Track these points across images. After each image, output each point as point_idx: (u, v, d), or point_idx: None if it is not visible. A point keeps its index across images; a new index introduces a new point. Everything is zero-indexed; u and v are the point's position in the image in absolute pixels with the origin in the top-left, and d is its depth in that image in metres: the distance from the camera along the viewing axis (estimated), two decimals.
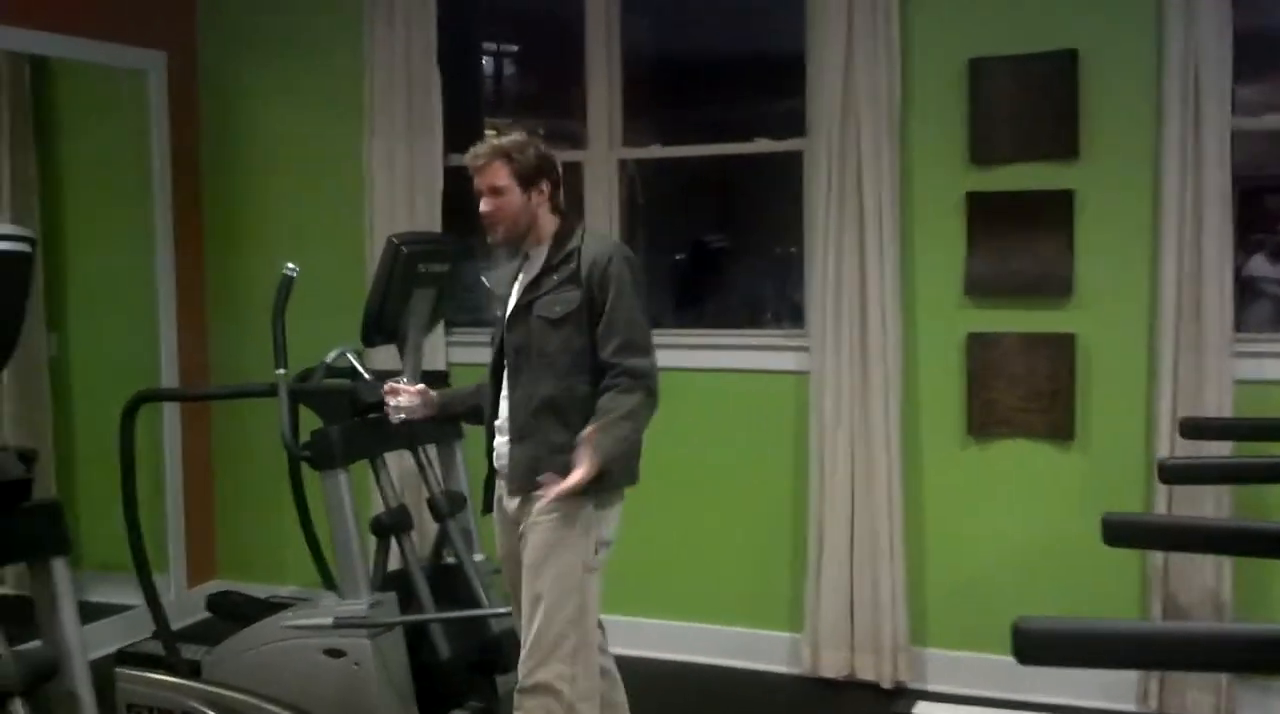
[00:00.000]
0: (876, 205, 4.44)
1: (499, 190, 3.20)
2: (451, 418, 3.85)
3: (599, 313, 3.16)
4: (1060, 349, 4.35)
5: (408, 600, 3.95)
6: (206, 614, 4.71)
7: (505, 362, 3.28)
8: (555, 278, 3.21)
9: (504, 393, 3.28)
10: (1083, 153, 4.30)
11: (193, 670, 3.96)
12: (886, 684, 4.47)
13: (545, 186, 3.24)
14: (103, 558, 5.23)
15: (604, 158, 4.99)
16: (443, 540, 4.19)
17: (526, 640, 3.19)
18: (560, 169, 3.30)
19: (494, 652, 4.13)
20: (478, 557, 4.34)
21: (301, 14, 5.33)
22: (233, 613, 4.30)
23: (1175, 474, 3.31)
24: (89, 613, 5.06)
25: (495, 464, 3.35)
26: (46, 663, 2.68)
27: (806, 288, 4.66)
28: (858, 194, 4.46)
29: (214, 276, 5.53)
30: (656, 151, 5.20)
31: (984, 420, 4.46)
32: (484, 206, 3.23)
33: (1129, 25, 4.24)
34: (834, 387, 4.51)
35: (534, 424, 3.19)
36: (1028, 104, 4.35)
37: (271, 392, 3.91)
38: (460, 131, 5.20)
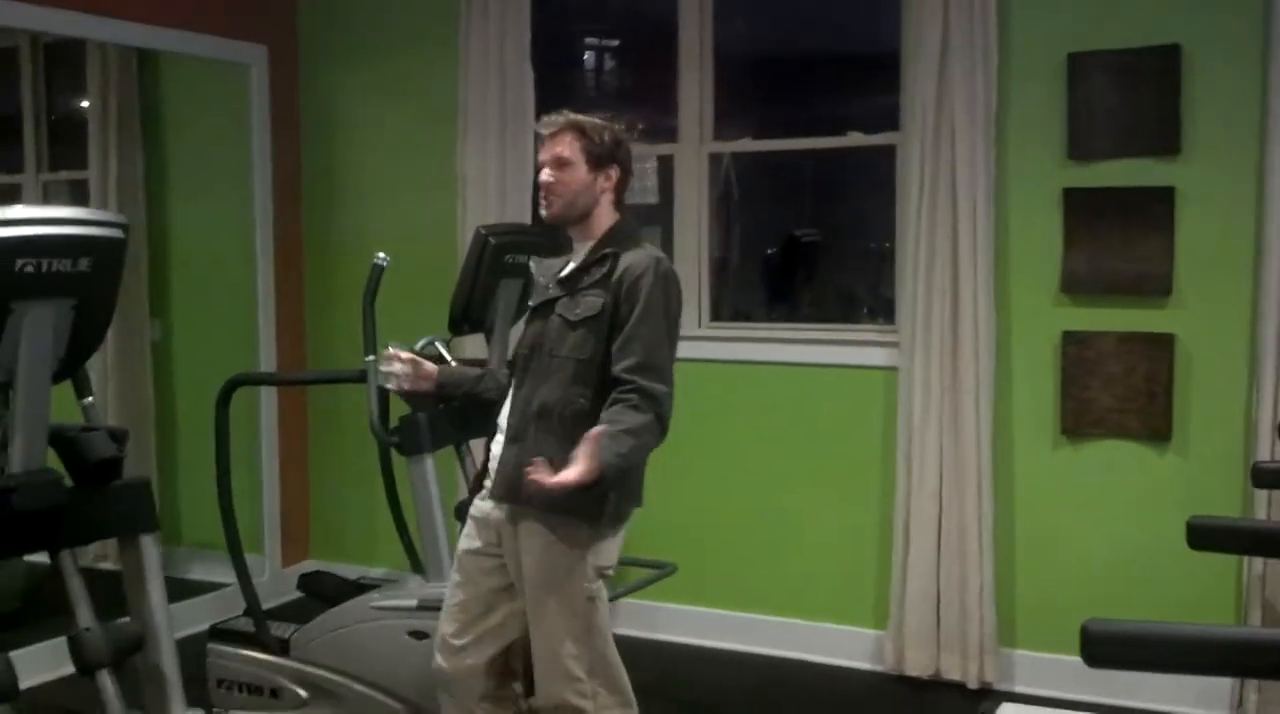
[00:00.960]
0: (970, 200, 4.38)
1: (564, 162, 3.02)
2: (447, 398, 3.60)
3: (619, 325, 2.95)
4: (1159, 349, 4.25)
5: None
6: (299, 593, 4.80)
7: (518, 356, 3.15)
8: (586, 279, 3.03)
9: (511, 388, 3.13)
10: (1184, 149, 4.19)
11: (281, 647, 4.04)
12: (973, 684, 4.41)
13: (614, 172, 3.06)
14: (201, 536, 5.37)
15: (694, 151, 4.98)
16: None
17: (536, 664, 3.06)
18: (632, 163, 3.14)
19: None
20: None
21: (399, 10, 5.40)
22: (322, 593, 4.37)
23: (1268, 478, 3.22)
24: (187, 589, 5.27)
25: (491, 464, 3.15)
26: (133, 637, 2.76)
27: (898, 283, 4.61)
28: (951, 189, 4.40)
29: (312, 265, 5.64)
30: (748, 145, 5.17)
31: (1078, 420, 4.38)
32: (544, 176, 3.04)
33: (1234, 18, 4.12)
34: (923, 383, 4.45)
35: (527, 428, 3.01)
36: (1128, 99, 4.26)
37: (361, 378, 3.98)
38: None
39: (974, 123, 4.36)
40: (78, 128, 5.78)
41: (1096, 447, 4.36)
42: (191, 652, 4.18)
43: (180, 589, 5.34)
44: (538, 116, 4.99)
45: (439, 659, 3.24)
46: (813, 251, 5.98)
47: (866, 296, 5.42)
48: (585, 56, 6.01)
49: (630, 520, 3.15)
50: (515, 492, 2.98)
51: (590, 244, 3.08)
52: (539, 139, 3.13)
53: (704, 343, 4.93)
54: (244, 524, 5.30)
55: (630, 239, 3.08)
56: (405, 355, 3.34)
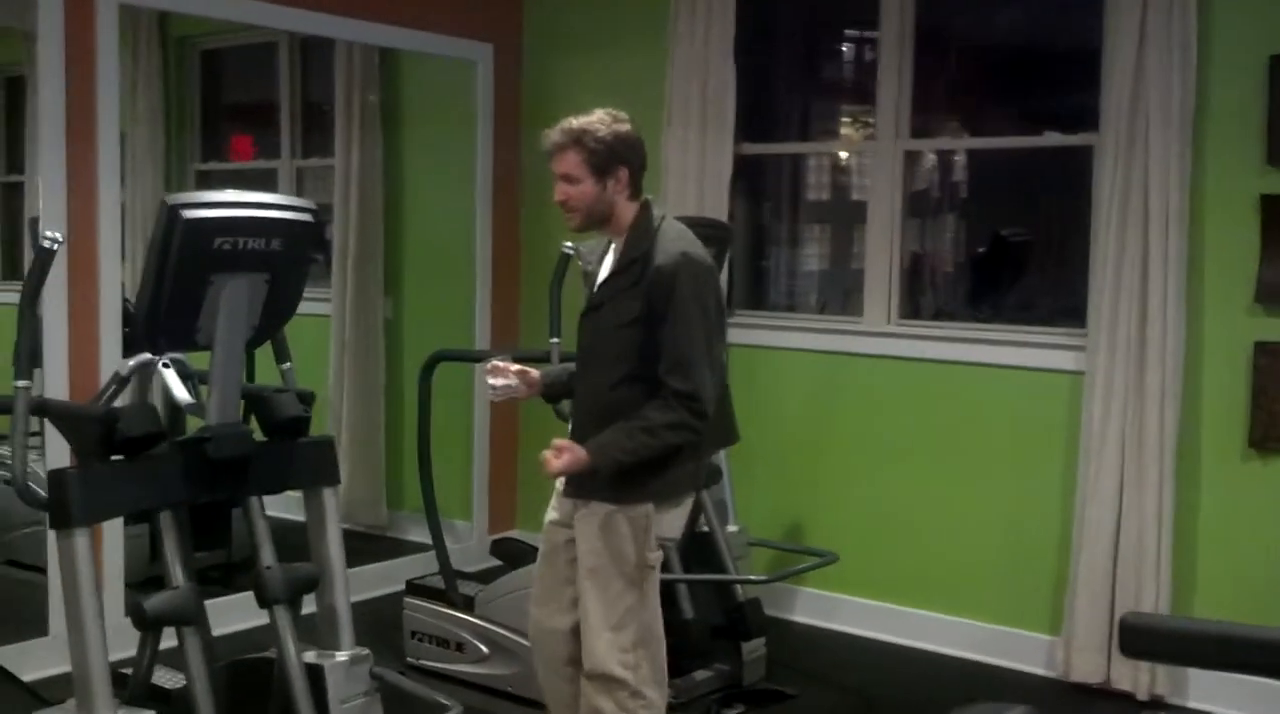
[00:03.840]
0: (1163, 204, 4.31)
1: (571, 179, 3.06)
2: (555, 398, 3.57)
3: (655, 326, 3.02)
4: None
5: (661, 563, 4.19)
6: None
7: (579, 354, 3.21)
8: (624, 280, 3.08)
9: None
10: None
11: (467, 605, 4.37)
12: (1142, 696, 4.34)
13: (622, 173, 3.07)
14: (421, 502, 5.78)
15: (890, 148, 5.05)
16: (698, 510, 4.41)
17: (586, 634, 3.15)
18: (643, 151, 3.13)
19: (738, 618, 4.35)
20: (731, 528, 4.56)
21: (615, 8, 5.67)
22: (512, 557, 4.68)
23: None
24: (405, 549, 5.69)
25: None
26: (309, 577, 3.09)
27: (1089, 286, 4.57)
28: (1144, 191, 4.34)
29: (528, 250, 5.97)
30: (944, 143, 5.21)
31: (1267, 433, 4.25)
32: (557, 194, 3.10)
33: None
34: (1106, 388, 4.41)
35: (586, 425, 3.11)
36: None
37: (547, 357, 4.26)
38: (754, 119, 5.42)
39: (1169, 124, 4.29)
40: (328, 119, 6.28)
41: None
42: (399, 606, 4.58)
43: (398, 549, 5.82)
44: (738, 112, 5.21)
45: (530, 624, 3.43)
46: (1020, 251, 5.94)
47: (1064, 299, 5.36)
48: (790, 52, 6.11)
49: (690, 496, 3.37)
50: (577, 486, 3.13)
51: (623, 237, 3.12)
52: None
53: (890, 340, 5.02)
54: (456, 493, 5.72)
55: (654, 232, 3.09)
56: (514, 367, 3.29)
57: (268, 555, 3.04)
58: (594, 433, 3.05)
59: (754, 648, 4.43)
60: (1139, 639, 1.81)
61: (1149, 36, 4.31)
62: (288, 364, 3.35)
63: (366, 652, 3.18)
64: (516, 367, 3.29)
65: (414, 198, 6.16)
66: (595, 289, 3.19)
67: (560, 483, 3.25)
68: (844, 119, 6.04)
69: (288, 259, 2.97)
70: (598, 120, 3.06)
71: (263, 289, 2.95)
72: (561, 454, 2.98)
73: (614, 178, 3.06)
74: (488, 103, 5.78)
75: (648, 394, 3.04)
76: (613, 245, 3.19)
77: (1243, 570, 4.32)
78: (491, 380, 3.26)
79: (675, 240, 3.09)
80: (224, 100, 6.97)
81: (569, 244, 4.20)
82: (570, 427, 3.25)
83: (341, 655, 3.13)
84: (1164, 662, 1.75)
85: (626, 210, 3.11)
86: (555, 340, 4.23)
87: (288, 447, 3.16)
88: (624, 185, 3.08)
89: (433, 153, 6.15)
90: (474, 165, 5.78)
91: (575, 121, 3.07)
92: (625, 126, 3.09)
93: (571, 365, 3.33)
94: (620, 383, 3.07)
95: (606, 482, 3.04)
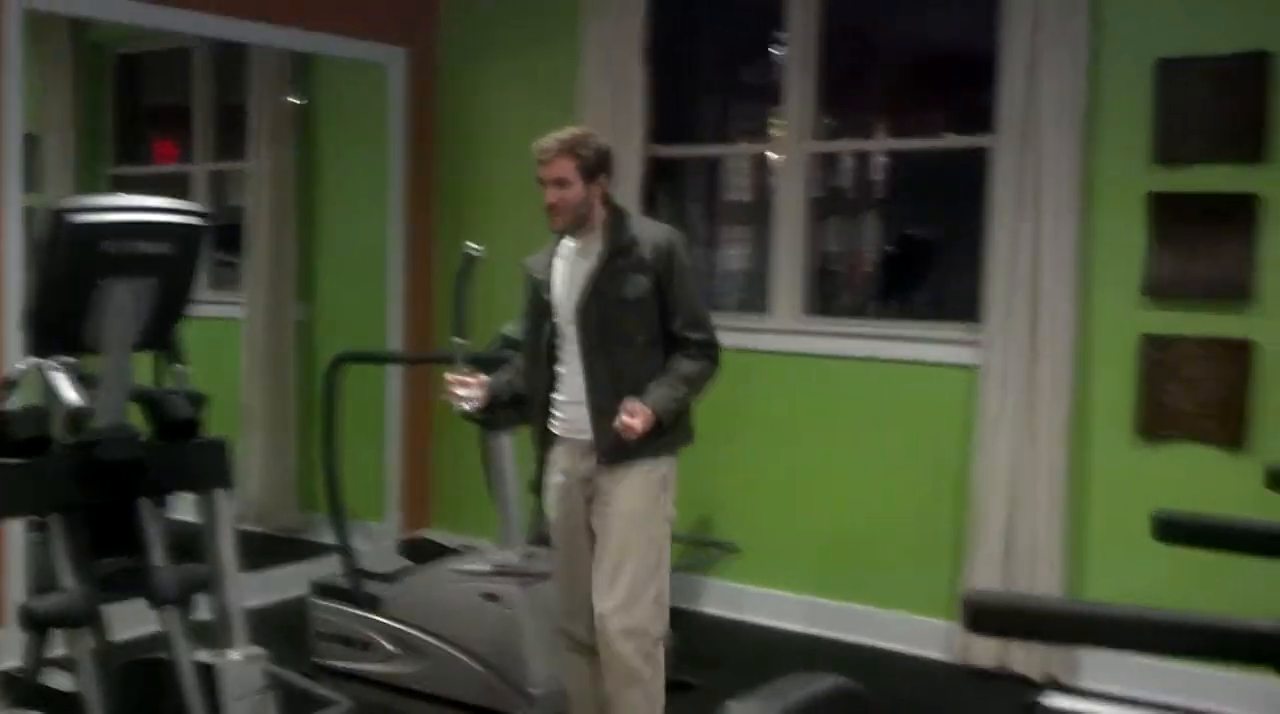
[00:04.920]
0: (1055, 202, 4.44)
1: (564, 183, 3.40)
2: (496, 407, 3.74)
3: (666, 293, 3.43)
4: (1237, 354, 4.24)
5: None
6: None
7: (579, 341, 3.44)
8: (622, 263, 3.43)
9: (577, 369, 3.45)
10: (1270, 156, 4.17)
11: (372, 604, 4.40)
12: (1038, 678, 4.47)
13: (603, 179, 3.46)
14: None
15: (796, 149, 5.14)
16: None
17: (618, 589, 3.40)
18: (613, 164, 3.52)
19: None
20: None
21: (529, 11, 5.72)
22: (419, 557, 4.71)
23: None
24: (318, 551, 5.69)
25: (564, 434, 3.51)
26: (199, 578, 3.11)
27: (986, 283, 4.68)
28: (1036, 190, 4.47)
29: (443, 253, 5.99)
30: (846, 145, 5.31)
31: (1154, 423, 4.39)
32: (549, 197, 3.43)
33: None
34: (1000, 381, 4.54)
35: (611, 400, 3.37)
36: (1216, 105, 4.25)
37: (451, 358, 4.29)
38: (668, 122, 5.49)
39: (1062, 124, 4.42)
40: (245, 122, 6.27)
41: (1172, 450, 4.37)
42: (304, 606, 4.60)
43: (311, 550, 5.81)
44: (652, 114, 5.28)
45: (562, 615, 3.67)
46: (926, 250, 6.07)
47: (966, 296, 5.48)
48: (696, 54, 6.19)
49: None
50: (622, 451, 3.40)
51: (596, 235, 3.48)
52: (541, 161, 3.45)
53: (797, 337, 5.12)
54: (371, 494, 5.72)
55: (634, 220, 3.54)
56: (472, 380, 3.57)
57: (158, 556, 3.06)
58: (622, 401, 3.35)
59: (672, 636, 4.49)
60: (982, 617, 1.90)
61: (1042, 40, 4.43)
62: (180, 366, 3.36)
63: (260, 651, 3.20)
64: (478, 378, 3.57)
65: (329, 201, 6.18)
66: (589, 279, 3.42)
67: (561, 474, 3.52)
68: (758, 121, 6.13)
69: (177, 262, 2.99)
70: (585, 133, 3.51)
71: (152, 292, 2.97)
72: (636, 415, 3.30)
73: (598, 183, 3.45)
74: (401, 106, 5.80)
75: (665, 353, 3.45)
76: (571, 246, 3.51)
77: (1132, 554, 4.43)
78: (464, 392, 3.53)
79: (653, 224, 3.62)
80: (143, 104, 6.95)
81: (472, 245, 4.23)
82: (590, 405, 3.43)
83: (235, 655, 3.15)
84: (1008, 637, 1.83)
85: (600, 212, 3.48)
86: (460, 341, 4.26)
87: (179, 448, 3.17)
88: (602, 190, 3.47)
89: (348, 156, 6.17)
90: (388, 168, 5.80)
91: (568, 133, 3.46)
92: (604, 141, 3.52)
93: (506, 375, 3.64)
94: (645, 348, 3.44)
95: (644, 440, 3.35)
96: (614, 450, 3.40)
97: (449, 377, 3.57)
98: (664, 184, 5.92)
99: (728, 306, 5.92)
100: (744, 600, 5.20)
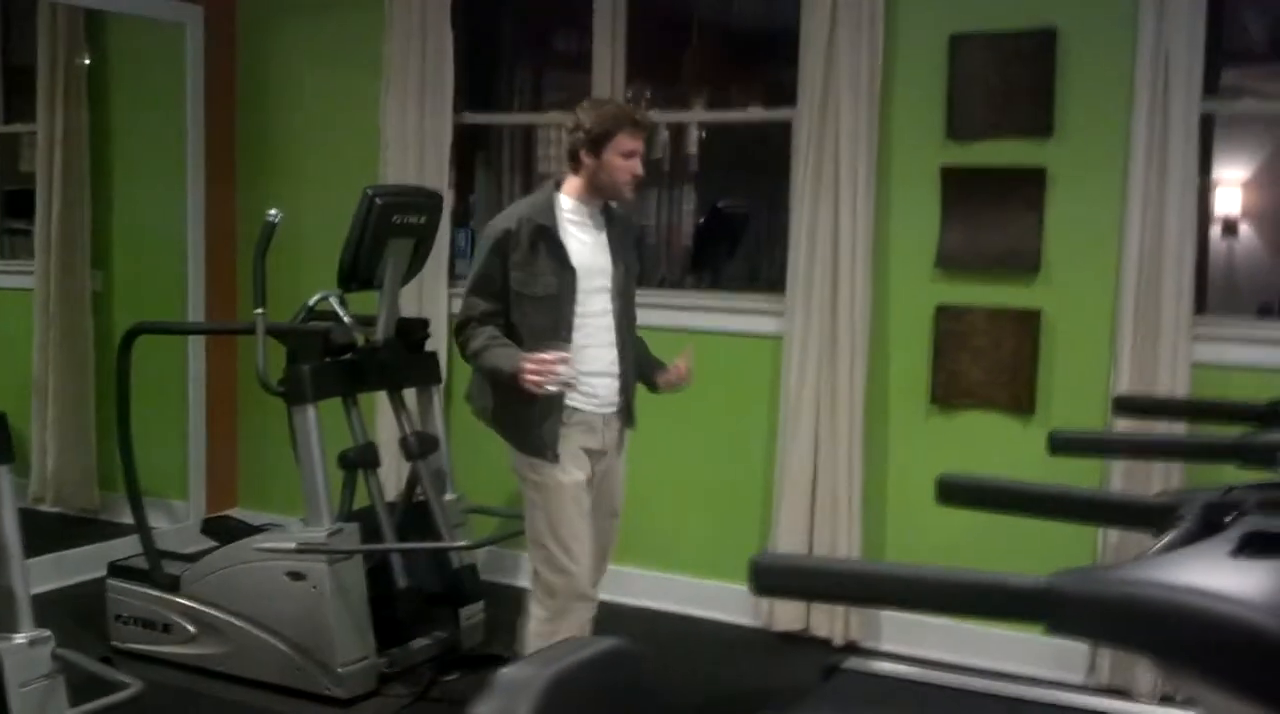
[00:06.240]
0: (852, 176, 4.54)
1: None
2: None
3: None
4: (1025, 324, 4.42)
5: (373, 533, 4.20)
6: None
7: (615, 312, 3.54)
8: (626, 238, 3.65)
9: (608, 341, 3.53)
10: (1057, 131, 4.35)
11: (172, 584, 4.27)
12: (839, 641, 4.61)
13: None
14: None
15: None
16: (414, 479, 4.44)
17: (610, 552, 3.76)
18: None
19: (455, 584, 4.40)
20: (449, 496, 4.59)
21: None
22: (224, 536, 4.59)
23: (1061, 445, 3.36)
24: (121, 532, 5.50)
25: (592, 408, 3.51)
26: None
27: (788, 255, 4.77)
28: (834, 163, 4.57)
29: (244, 220, 5.83)
30: (654, 117, 5.32)
31: (948, 391, 4.56)
32: (640, 170, 3.50)
33: (1107, 5, 4.27)
34: (802, 351, 4.64)
35: (630, 367, 3.62)
36: (1006, 81, 4.41)
37: (251, 330, 4.19)
38: (478, 89, 5.43)
39: (859, 99, 4.52)
40: (31, 84, 5.97)
41: (965, 417, 4.55)
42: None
43: (111, 531, 5.61)
44: (462, 81, 5.22)
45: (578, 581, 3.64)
46: (736, 223, 6.16)
47: (773, 267, 5.60)
48: (514, 22, 6.15)
49: None
50: (632, 413, 3.66)
51: (594, 206, 3.56)
52: (638, 126, 3.46)
53: None
54: (174, 471, 5.55)
55: None
56: (552, 356, 3.29)
57: None
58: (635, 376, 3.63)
59: (471, 613, 4.50)
60: (766, 579, 1.94)
61: (840, 15, 4.53)
62: None
63: (48, 634, 3.10)
64: (558, 355, 3.31)
65: (124, 166, 5.93)
66: (614, 251, 3.54)
67: (586, 451, 3.54)
68: (568, 90, 6.11)
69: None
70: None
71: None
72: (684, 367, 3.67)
73: None
74: (198, 67, 5.60)
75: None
76: (568, 212, 3.49)
77: (927, 518, 4.59)
78: (565, 370, 3.29)
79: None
80: None
81: (273, 212, 4.14)
82: (619, 376, 3.57)
83: (20, 638, 3.04)
84: (792, 598, 1.88)
85: None
86: (260, 311, 4.16)
87: None
88: None
89: (144, 119, 5.92)
90: (186, 132, 5.60)
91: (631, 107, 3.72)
92: None
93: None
94: (633, 322, 3.68)
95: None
96: (630, 412, 3.64)
97: (549, 356, 3.27)
98: (479, 153, 5.87)
99: None
100: None
